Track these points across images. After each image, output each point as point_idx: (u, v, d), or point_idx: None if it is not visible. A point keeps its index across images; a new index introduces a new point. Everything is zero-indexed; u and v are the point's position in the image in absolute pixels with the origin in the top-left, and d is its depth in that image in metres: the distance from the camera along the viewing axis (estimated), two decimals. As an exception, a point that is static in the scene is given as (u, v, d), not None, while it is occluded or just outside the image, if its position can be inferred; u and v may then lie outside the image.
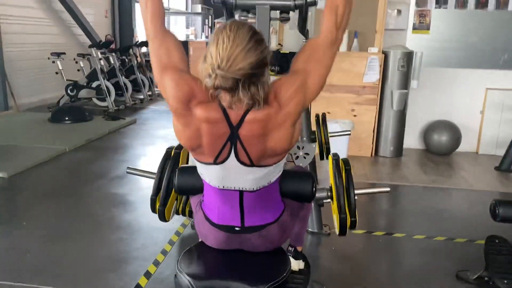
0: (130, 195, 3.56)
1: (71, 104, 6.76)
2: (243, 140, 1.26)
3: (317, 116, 2.75)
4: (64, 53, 6.89)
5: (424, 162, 4.71)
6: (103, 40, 7.97)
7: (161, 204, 1.53)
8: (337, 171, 1.50)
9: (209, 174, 1.37)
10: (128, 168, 1.89)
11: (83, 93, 7.06)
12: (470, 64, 4.98)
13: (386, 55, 4.63)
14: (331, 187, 1.59)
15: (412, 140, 5.12)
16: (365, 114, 4.70)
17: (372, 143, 4.77)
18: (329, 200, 1.64)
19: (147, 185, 3.79)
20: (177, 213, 1.77)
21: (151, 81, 8.42)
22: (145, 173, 1.87)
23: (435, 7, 4.89)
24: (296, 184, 1.50)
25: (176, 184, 1.52)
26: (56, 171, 4.15)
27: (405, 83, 4.68)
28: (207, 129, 1.25)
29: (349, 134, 2.86)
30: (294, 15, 2.39)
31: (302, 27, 2.46)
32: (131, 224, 3.06)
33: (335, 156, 1.56)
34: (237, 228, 1.44)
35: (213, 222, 1.45)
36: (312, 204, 1.66)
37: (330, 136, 2.72)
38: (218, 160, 1.30)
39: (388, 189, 1.73)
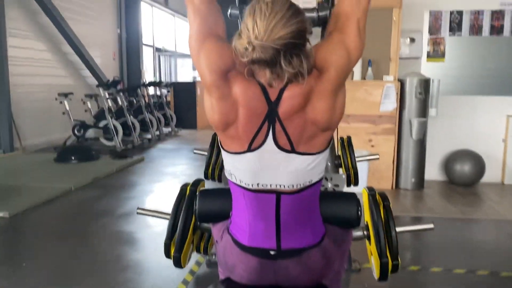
0: (138, 233, 3.31)
1: (77, 144, 6.62)
2: (282, 118, 1.11)
3: (341, 139, 2.54)
4: (71, 93, 6.83)
5: (449, 193, 4.45)
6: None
7: (176, 250, 1.32)
8: (374, 207, 1.30)
9: (240, 169, 1.17)
10: (139, 208, 1.66)
11: (90, 133, 6.94)
12: (488, 91, 4.82)
13: (402, 83, 4.48)
14: (366, 225, 1.37)
15: (433, 171, 4.88)
16: (383, 145, 4.49)
17: (392, 175, 4.53)
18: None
19: (156, 223, 3.56)
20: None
21: (159, 121, 8.33)
22: (157, 214, 1.66)
23: (449, 35, 4.79)
24: (338, 206, 1.29)
25: (197, 209, 1.31)
26: (60, 209, 3.93)
27: (423, 112, 4.50)
28: (244, 103, 1.11)
29: (378, 158, 2.65)
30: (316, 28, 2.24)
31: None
32: (140, 263, 2.80)
33: (371, 190, 1.36)
34: (272, 252, 1.21)
35: (244, 245, 1.22)
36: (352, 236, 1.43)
37: (358, 161, 2.50)
38: (253, 145, 1.13)
39: (432, 225, 1.51)
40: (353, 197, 1.31)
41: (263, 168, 1.15)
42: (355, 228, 1.42)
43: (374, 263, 1.35)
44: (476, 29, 4.75)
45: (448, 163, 4.76)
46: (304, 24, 1.07)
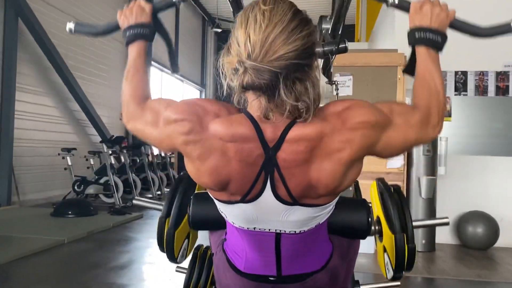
0: (131, 286, 3.07)
1: (75, 198, 6.47)
2: (282, 167, 0.89)
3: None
4: (75, 149, 6.80)
5: (462, 256, 4.20)
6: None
7: (171, 226, 1.15)
8: (385, 190, 1.14)
9: (232, 214, 1.00)
10: (135, 198, 1.50)
11: (90, 189, 6.80)
12: (498, 151, 4.71)
13: (409, 140, 4.40)
14: (378, 219, 1.20)
15: (443, 234, 4.64)
16: (391, 203, 4.32)
17: (401, 235, 4.30)
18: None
19: (150, 275, 3.33)
20: None
21: (161, 180, 8.22)
22: (154, 204, 1.48)
23: (455, 94, 4.78)
24: (346, 215, 1.13)
25: (190, 215, 1.16)
26: (50, 261, 3.70)
27: (432, 170, 4.37)
28: (234, 150, 0.88)
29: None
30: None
31: (327, 70, 2.25)
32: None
33: (381, 180, 1.23)
34: (271, 278, 1.05)
35: (239, 270, 1.06)
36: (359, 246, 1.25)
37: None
38: (249, 196, 0.93)
39: (448, 220, 1.33)
40: (362, 204, 1.16)
41: (259, 217, 0.97)
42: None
43: (388, 255, 1.14)
44: (481, 90, 4.75)
45: (460, 225, 4.54)
46: (312, 38, 0.86)
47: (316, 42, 0.89)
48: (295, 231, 0.99)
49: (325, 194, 0.93)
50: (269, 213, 0.95)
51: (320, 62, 2.31)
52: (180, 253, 1.20)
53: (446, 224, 1.26)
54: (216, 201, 1.02)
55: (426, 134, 0.97)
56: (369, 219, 1.13)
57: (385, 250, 1.14)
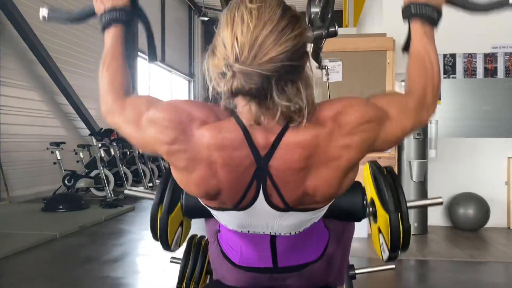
0: (125, 279, 3.06)
1: (65, 192, 6.41)
2: (275, 176, 0.84)
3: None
4: (63, 143, 6.72)
5: (454, 238, 4.24)
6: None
7: (164, 212, 1.12)
8: (378, 171, 1.14)
9: (225, 219, 0.97)
10: (127, 189, 1.47)
11: (80, 183, 6.74)
12: (487, 133, 4.74)
13: (399, 124, 4.41)
14: (371, 201, 1.19)
15: (435, 216, 4.68)
16: (383, 187, 4.33)
17: (394, 219, 4.33)
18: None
19: (144, 267, 3.32)
20: None
21: (152, 172, 8.18)
22: (146, 193, 1.45)
23: (444, 77, 4.79)
24: (341, 198, 1.11)
25: (183, 203, 1.14)
26: (42, 256, 3.67)
27: (423, 153, 4.39)
28: (222, 160, 0.82)
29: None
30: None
31: (317, 55, 2.22)
32: (124, 309, 2.55)
33: (373, 162, 1.22)
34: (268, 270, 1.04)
35: (234, 263, 1.05)
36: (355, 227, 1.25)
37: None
38: (241, 205, 0.89)
39: (441, 200, 1.29)
40: (358, 186, 1.15)
41: (253, 222, 0.93)
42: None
43: (383, 235, 1.13)
44: (470, 72, 4.76)
45: (451, 207, 4.58)
46: (303, 38, 0.80)
47: (308, 38, 0.83)
48: (290, 233, 0.97)
49: (322, 201, 0.90)
50: (263, 219, 0.92)
51: (310, 46, 2.28)
52: (174, 241, 1.18)
53: (440, 203, 1.26)
54: (207, 207, 0.98)
55: (421, 117, 0.94)
56: (364, 202, 1.12)
57: (380, 231, 1.13)
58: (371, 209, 1.17)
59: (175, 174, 0.90)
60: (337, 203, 1.10)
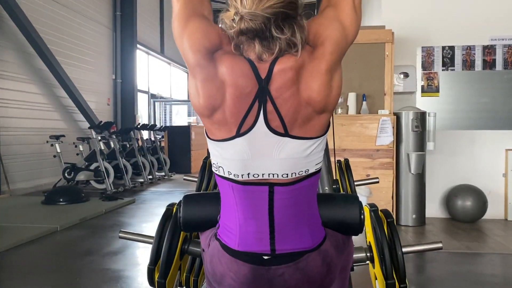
0: (126, 271, 3.09)
1: (66, 185, 6.44)
2: (274, 96, 1.00)
3: (338, 162, 2.42)
4: (63, 135, 6.74)
5: (452, 229, 4.28)
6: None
7: (161, 275, 1.18)
8: (377, 224, 1.17)
9: (228, 158, 1.04)
10: (121, 231, 1.50)
11: (80, 176, 6.77)
12: (485, 125, 4.76)
13: (398, 117, 4.42)
14: (369, 246, 1.26)
15: (433, 208, 4.72)
16: (381, 179, 4.35)
17: (392, 211, 4.37)
18: (365, 262, 1.31)
19: (144, 259, 3.35)
20: (180, 286, 1.41)
21: (152, 164, 8.20)
22: (141, 237, 1.50)
23: (442, 70, 4.80)
24: (339, 210, 1.15)
25: (181, 217, 1.18)
26: (44, 249, 3.71)
27: (421, 145, 4.41)
28: (232, 82, 1.00)
29: (377, 182, 2.52)
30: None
31: None
32: (125, 300, 2.58)
33: (373, 206, 1.26)
34: (265, 257, 1.06)
35: (233, 250, 1.08)
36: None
37: (356, 185, 2.37)
38: (243, 128, 1.01)
39: (441, 245, 1.37)
40: (354, 199, 1.18)
41: (253, 155, 1.03)
42: (357, 250, 1.30)
43: (379, 287, 1.21)
44: (468, 64, 4.77)
45: (449, 199, 4.61)
46: None
47: (300, 1, 1.01)
48: (287, 176, 1.03)
49: (318, 112, 1.03)
50: (262, 148, 1.02)
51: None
52: (174, 286, 1.23)
53: (439, 248, 1.32)
54: (213, 146, 1.07)
55: None
56: (361, 216, 1.15)
57: (376, 278, 1.18)
58: (368, 255, 1.26)
59: (191, 84, 1.06)
60: (335, 214, 1.14)
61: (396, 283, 1.12)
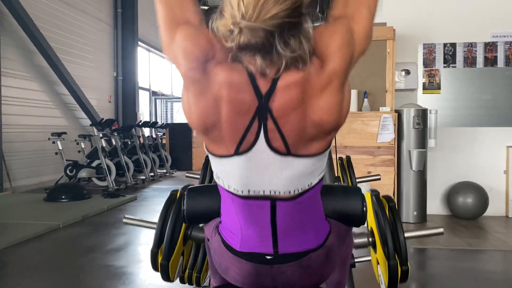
0: (128, 267, 3.11)
1: (68, 182, 6.46)
2: (276, 115, 0.92)
3: (340, 159, 2.43)
4: (65, 133, 6.75)
5: (453, 226, 4.28)
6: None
7: (164, 258, 1.17)
8: (379, 208, 1.18)
9: (228, 173, 1.00)
10: (125, 217, 1.52)
11: (82, 173, 6.79)
12: (486, 122, 4.76)
13: (399, 114, 4.43)
14: (371, 231, 1.25)
15: (434, 205, 4.73)
16: (383, 177, 4.31)
17: (393, 208, 4.37)
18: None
19: (147, 256, 3.36)
20: (182, 281, 1.42)
21: (153, 161, 8.21)
22: (145, 223, 1.52)
23: (444, 67, 4.79)
24: (342, 201, 1.16)
25: (185, 209, 1.18)
26: (46, 246, 3.72)
27: (422, 142, 4.41)
28: (228, 98, 0.91)
29: (379, 179, 2.53)
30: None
31: None
32: (128, 297, 2.60)
33: (374, 191, 1.25)
34: (268, 257, 1.06)
35: (235, 250, 1.08)
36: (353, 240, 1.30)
37: (358, 182, 2.38)
38: (242, 147, 0.95)
39: (442, 230, 1.38)
40: (357, 191, 1.19)
41: (254, 173, 0.98)
42: (358, 235, 1.30)
43: (381, 271, 1.21)
44: (470, 61, 4.76)
45: (450, 196, 4.62)
46: None
47: (306, 2, 0.90)
48: (290, 192, 0.99)
49: (326, 133, 0.96)
50: (263, 169, 0.97)
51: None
52: (176, 273, 1.23)
53: (440, 233, 1.32)
54: (213, 161, 1.03)
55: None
56: (364, 208, 1.16)
57: (378, 263, 1.19)
58: (370, 240, 1.25)
59: (184, 97, 0.98)
60: (338, 205, 1.15)
61: (398, 266, 1.12)
